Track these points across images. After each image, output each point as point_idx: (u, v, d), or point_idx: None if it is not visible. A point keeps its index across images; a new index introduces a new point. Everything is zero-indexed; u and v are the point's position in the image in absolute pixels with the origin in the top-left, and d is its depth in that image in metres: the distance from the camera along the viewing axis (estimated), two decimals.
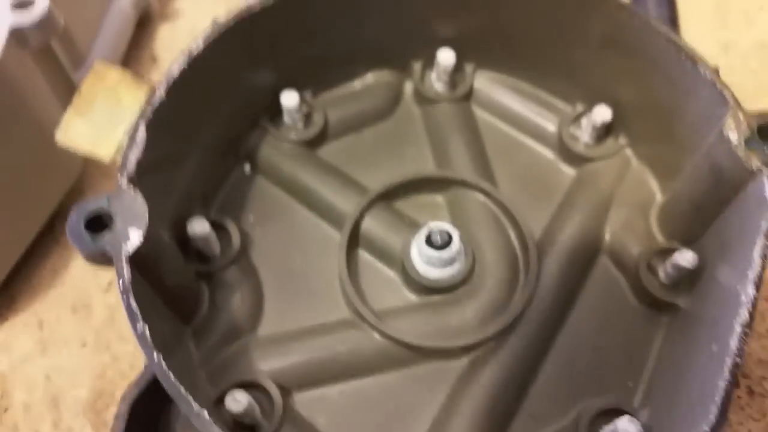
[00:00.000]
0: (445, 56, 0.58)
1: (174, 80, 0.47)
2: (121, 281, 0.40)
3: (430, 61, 0.60)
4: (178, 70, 0.47)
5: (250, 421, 0.46)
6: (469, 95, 0.60)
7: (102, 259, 0.42)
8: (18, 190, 0.55)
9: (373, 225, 0.53)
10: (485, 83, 0.60)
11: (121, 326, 0.57)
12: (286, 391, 0.48)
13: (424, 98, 0.60)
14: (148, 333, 0.38)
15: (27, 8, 0.49)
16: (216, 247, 0.52)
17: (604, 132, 0.57)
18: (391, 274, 0.53)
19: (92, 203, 0.42)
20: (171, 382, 0.37)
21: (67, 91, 0.56)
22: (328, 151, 0.58)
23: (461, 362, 0.50)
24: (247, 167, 0.58)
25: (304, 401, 0.49)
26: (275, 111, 0.57)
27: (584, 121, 0.57)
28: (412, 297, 0.52)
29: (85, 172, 0.63)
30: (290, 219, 0.56)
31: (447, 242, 0.49)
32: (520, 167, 0.58)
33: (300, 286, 0.53)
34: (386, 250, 0.53)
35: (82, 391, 0.54)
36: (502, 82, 0.60)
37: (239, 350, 0.50)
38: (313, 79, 0.59)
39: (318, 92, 0.59)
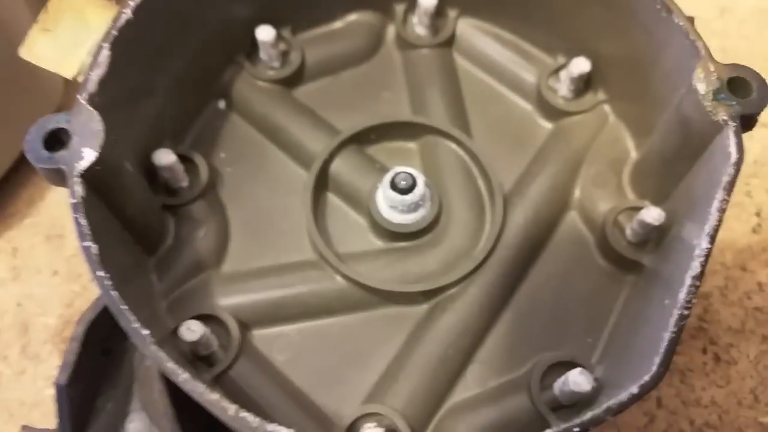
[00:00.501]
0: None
1: (142, 2, 0.46)
2: (72, 199, 0.39)
3: (412, 5, 0.58)
4: None
5: (205, 351, 0.46)
6: (450, 42, 0.59)
7: (57, 177, 0.41)
8: None
9: (342, 168, 0.53)
10: (468, 30, 0.59)
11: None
12: (245, 327, 0.49)
13: (405, 42, 0.59)
14: (94, 251, 0.38)
15: None
16: (183, 180, 0.52)
17: (583, 86, 0.56)
18: (358, 218, 0.53)
19: (51, 120, 0.42)
20: (113, 299, 0.37)
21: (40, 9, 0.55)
22: (304, 92, 0.58)
23: (421, 308, 0.50)
24: (221, 103, 0.57)
25: (262, 338, 0.49)
26: (252, 48, 0.56)
27: (563, 74, 0.56)
28: (377, 242, 0.52)
29: (64, 101, 0.62)
30: (261, 158, 0.55)
31: (411, 186, 0.49)
32: (497, 118, 0.57)
33: (267, 226, 0.53)
34: (354, 194, 0.53)
35: (51, 318, 0.55)
36: (484, 30, 0.59)
37: (201, 284, 0.50)
38: (293, 16, 0.58)
39: (297, 30, 0.58)
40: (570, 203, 0.53)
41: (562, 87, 0.56)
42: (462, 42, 0.59)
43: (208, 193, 0.52)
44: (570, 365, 0.47)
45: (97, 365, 0.46)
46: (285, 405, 0.47)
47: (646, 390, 0.37)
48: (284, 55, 0.57)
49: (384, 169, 0.53)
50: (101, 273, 0.38)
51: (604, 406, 0.36)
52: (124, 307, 0.37)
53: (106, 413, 0.48)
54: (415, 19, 0.59)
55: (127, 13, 0.45)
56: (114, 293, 0.37)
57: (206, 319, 0.48)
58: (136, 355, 0.48)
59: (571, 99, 0.56)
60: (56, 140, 0.42)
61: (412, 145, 0.56)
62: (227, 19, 0.54)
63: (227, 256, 0.52)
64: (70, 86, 0.62)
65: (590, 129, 0.55)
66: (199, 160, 0.53)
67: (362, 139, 0.54)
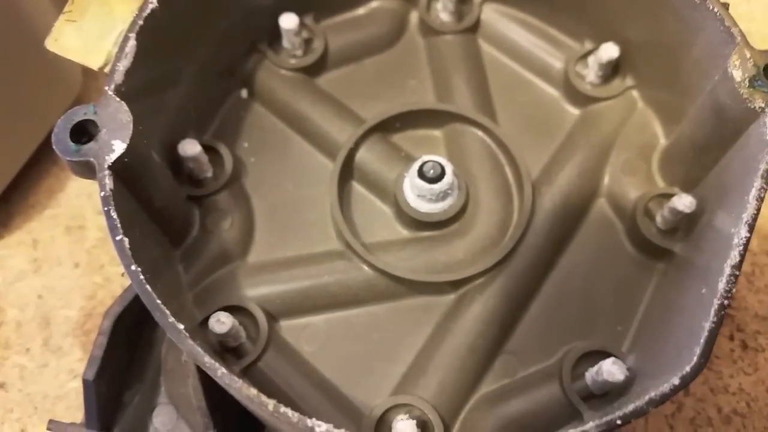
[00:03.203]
0: None
1: None
2: (102, 192, 0.39)
3: None
4: None
5: (234, 343, 0.46)
6: (475, 28, 0.58)
7: (85, 170, 0.41)
8: (15, 105, 0.54)
9: (367, 156, 0.52)
10: (493, 16, 0.58)
11: (113, 248, 0.56)
12: (272, 318, 0.48)
13: (428, 29, 0.58)
14: (127, 245, 0.38)
15: None
16: (208, 170, 0.51)
17: (611, 72, 0.55)
18: (384, 207, 0.53)
19: (78, 112, 0.41)
20: (149, 294, 0.37)
21: (64, 2, 0.54)
22: (327, 80, 0.57)
23: (449, 298, 0.50)
24: (244, 92, 0.56)
25: (289, 329, 0.49)
26: (275, 35, 0.56)
27: (591, 59, 0.55)
28: (403, 231, 0.52)
29: (84, 90, 0.62)
30: (285, 147, 0.55)
31: (440, 175, 0.48)
32: (523, 105, 0.56)
33: (291, 216, 0.52)
34: (380, 183, 0.52)
35: (72, 311, 0.54)
36: (510, 15, 0.58)
37: (227, 275, 0.49)
38: (316, 3, 0.57)
39: (320, 18, 0.58)
40: (599, 190, 0.53)
41: (590, 73, 0.55)
42: (487, 28, 0.58)
43: (233, 184, 0.52)
44: (601, 354, 0.47)
45: (123, 359, 0.46)
46: (314, 396, 0.46)
47: (687, 381, 0.36)
48: (307, 43, 0.56)
49: (409, 158, 0.52)
50: (135, 267, 0.37)
51: (646, 397, 0.36)
52: (160, 302, 0.36)
53: (133, 407, 0.48)
54: (439, 5, 0.58)
55: (153, 2, 0.44)
56: (149, 288, 0.37)
57: (233, 310, 0.47)
58: (162, 347, 0.48)
59: (598, 85, 0.55)
60: (84, 132, 0.41)
61: (437, 133, 0.55)
62: (250, 6, 0.54)
63: (253, 246, 0.51)
64: (89, 76, 0.62)
65: (618, 115, 0.54)
66: (224, 150, 0.52)
67: (387, 127, 0.54)
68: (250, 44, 0.56)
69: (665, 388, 0.37)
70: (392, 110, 0.53)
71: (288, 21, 0.54)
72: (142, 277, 0.37)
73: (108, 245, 0.57)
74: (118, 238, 0.38)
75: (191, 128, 0.52)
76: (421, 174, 0.48)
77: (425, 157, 0.49)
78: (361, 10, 0.59)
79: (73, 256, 0.56)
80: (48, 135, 0.59)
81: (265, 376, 0.46)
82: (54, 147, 0.41)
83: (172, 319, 0.36)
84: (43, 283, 0.56)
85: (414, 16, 0.59)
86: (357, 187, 0.53)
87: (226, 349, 0.46)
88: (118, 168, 0.40)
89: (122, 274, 0.46)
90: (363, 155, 0.52)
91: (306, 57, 0.56)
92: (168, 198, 0.47)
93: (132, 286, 0.47)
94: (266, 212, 0.52)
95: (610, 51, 0.53)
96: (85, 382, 0.42)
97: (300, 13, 0.55)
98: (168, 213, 0.47)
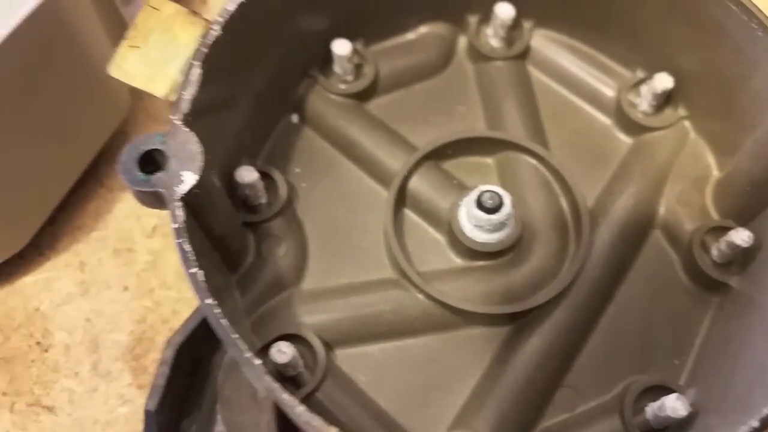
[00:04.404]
0: (504, 10, 0.56)
1: (230, 18, 0.45)
2: (175, 224, 0.39)
3: (486, 16, 0.57)
4: (235, 7, 0.45)
5: (292, 372, 0.46)
6: (525, 54, 0.58)
7: (153, 200, 0.41)
8: (65, 127, 0.53)
9: (420, 184, 0.52)
10: (543, 42, 0.58)
11: (164, 272, 0.56)
12: (327, 347, 0.48)
13: (478, 54, 0.58)
14: (203, 278, 0.37)
15: None
16: (263, 196, 0.51)
17: (664, 101, 0.55)
18: (437, 235, 0.52)
19: (146, 141, 0.41)
20: (224, 328, 0.36)
21: (117, 27, 0.54)
22: (377, 105, 0.57)
23: (505, 329, 0.49)
24: (294, 118, 0.56)
25: (345, 358, 0.48)
26: (325, 61, 0.56)
27: (644, 89, 0.55)
28: (457, 260, 0.51)
29: (131, 114, 0.61)
30: (336, 173, 0.55)
31: (498, 206, 0.48)
32: (575, 132, 0.56)
33: (344, 242, 0.52)
34: (433, 211, 0.52)
35: (122, 335, 0.54)
36: (560, 42, 0.58)
37: (283, 302, 0.49)
38: (365, 28, 0.57)
39: (369, 43, 0.57)
40: (654, 221, 0.52)
41: (643, 102, 0.55)
42: (536, 54, 0.58)
43: (287, 210, 0.52)
44: (661, 389, 0.46)
45: (182, 387, 0.45)
46: (372, 427, 0.46)
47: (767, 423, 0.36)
48: (358, 68, 0.56)
49: (462, 186, 0.52)
50: (211, 301, 0.37)
51: None
52: (236, 336, 0.36)
53: None
54: (489, 31, 0.58)
55: (217, 30, 0.44)
56: (225, 322, 0.36)
57: (290, 338, 0.47)
58: (219, 374, 0.47)
59: (651, 114, 0.55)
60: (150, 161, 0.41)
61: (489, 161, 0.55)
62: (304, 33, 0.53)
63: (307, 273, 0.51)
64: (135, 97, 0.61)
65: (671, 145, 0.54)
66: (278, 176, 0.52)
67: (439, 154, 0.54)
68: (301, 69, 0.56)
69: (743, 430, 0.36)
70: (445, 138, 0.53)
71: (341, 47, 0.54)
72: (217, 310, 0.37)
73: (158, 269, 0.56)
74: (192, 271, 0.38)
75: (246, 154, 0.52)
76: (480, 204, 0.48)
77: (483, 187, 0.49)
78: (410, 35, 0.59)
79: (121, 279, 0.56)
80: (95, 158, 0.58)
81: (324, 407, 0.46)
82: (120, 175, 0.41)
83: (248, 354, 0.36)
84: (91, 307, 0.55)
85: (462, 42, 0.59)
86: (409, 215, 0.53)
87: (283, 378, 0.46)
88: (187, 199, 0.39)
89: (194, 311, 0.45)
90: (416, 183, 0.52)
91: (357, 82, 0.56)
92: (227, 225, 0.47)
93: (193, 315, 0.47)
94: (319, 238, 0.52)
95: (664, 82, 0.53)
96: (147, 413, 0.41)
97: (350, 38, 0.55)
98: (226, 240, 0.46)
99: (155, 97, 0.59)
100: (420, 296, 0.49)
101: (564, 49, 0.58)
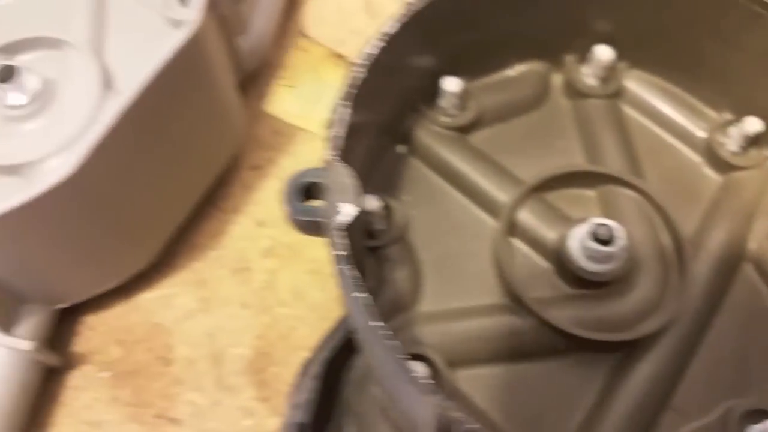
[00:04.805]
0: (603, 52, 0.59)
1: (370, 60, 0.48)
2: (336, 251, 0.42)
3: (583, 56, 0.61)
4: (375, 50, 0.48)
5: None
6: (619, 93, 0.61)
7: (311, 227, 0.44)
8: (192, 154, 0.57)
9: (527, 216, 0.55)
10: (635, 82, 0.62)
11: (280, 290, 0.59)
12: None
13: (575, 92, 0.61)
14: (363, 301, 0.40)
15: None
16: (381, 223, 0.54)
17: (752, 142, 0.58)
18: (544, 263, 0.55)
19: (306, 174, 0.44)
20: (389, 348, 0.39)
21: (233, 58, 0.57)
22: (479, 138, 0.60)
23: (613, 356, 0.52)
24: (402, 148, 0.59)
25: (460, 378, 0.51)
26: (432, 95, 0.59)
27: (733, 130, 0.58)
28: (565, 288, 0.54)
29: (246, 140, 0.64)
30: (444, 202, 0.58)
31: (611, 238, 0.51)
32: (668, 169, 0.59)
33: (455, 268, 0.55)
34: (540, 241, 0.55)
35: (243, 350, 0.56)
36: (652, 83, 0.62)
37: (402, 324, 0.52)
38: (469, 65, 0.60)
39: (472, 79, 0.61)
40: (746, 255, 0.56)
41: (731, 142, 0.58)
42: (630, 93, 0.62)
43: (403, 236, 0.55)
44: (761, 412, 0.49)
45: (319, 402, 0.48)
46: None
47: None
48: (462, 103, 0.59)
49: (566, 218, 0.55)
50: (376, 323, 0.40)
51: None
52: (402, 356, 0.39)
53: None
54: (586, 70, 0.61)
55: (359, 71, 0.48)
56: (392, 343, 0.39)
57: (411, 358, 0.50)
58: (347, 390, 0.50)
59: (738, 154, 0.58)
60: (307, 193, 0.44)
61: (590, 193, 0.58)
62: (418, 70, 0.57)
63: (422, 297, 0.54)
64: (254, 127, 0.64)
65: (758, 185, 0.58)
66: (394, 204, 0.55)
67: (543, 186, 0.57)
68: (410, 104, 0.59)
69: None
70: (553, 171, 0.56)
71: (451, 84, 0.57)
72: (383, 332, 0.40)
73: (274, 288, 0.59)
74: (353, 295, 0.41)
75: (363, 183, 0.55)
76: (594, 236, 0.51)
77: (597, 220, 0.52)
78: (510, 72, 0.62)
79: (240, 297, 0.59)
80: (213, 181, 0.61)
81: None
82: (285, 206, 0.44)
83: (415, 373, 0.39)
84: (212, 322, 0.58)
85: (557, 79, 0.63)
86: (516, 243, 0.56)
87: None
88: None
89: (335, 328, 0.48)
90: (524, 215, 0.55)
91: (461, 116, 0.59)
92: (359, 250, 0.50)
93: (334, 333, 0.50)
94: (431, 264, 0.55)
95: (755, 125, 0.57)
96: (299, 425, 0.44)
97: (456, 74, 0.58)
98: (358, 265, 0.49)
99: (262, 125, 0.63)
100: (533, 321, 0.52)
101: (656, 89, 0.61)
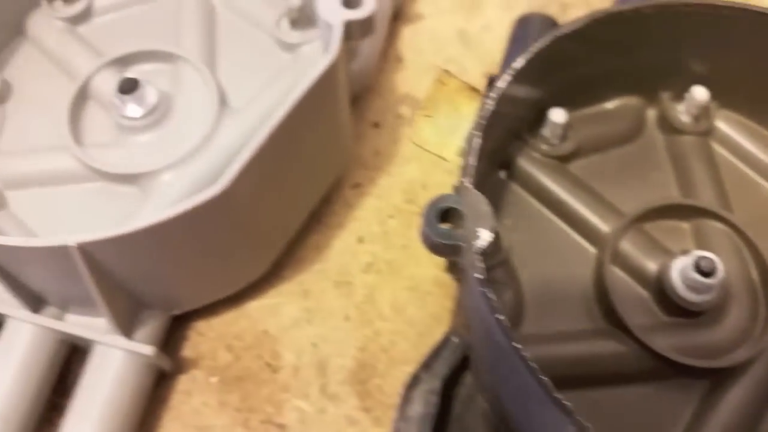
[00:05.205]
0: (700, 93, 0.62)
1: (501, 93, 0.51)
2: (477, 275, 0.44)
3: (678, 94, 0.64)
4: (505, 84, 0.51)
5: None
6: (710, 131, 0.64)
7: (447, 250, 0.46)
8: (311, 172, 0.60)
9: (628, 246, 0.58)
10: (724, 122, 0.65)
11: (380, 305, 0.61)
12: None
13: (669, 127, 0.64)
14: (506, 323, 0.43)
15: (357, 7, 0.54)
16: (491, 246, 0.56)
17: None
18: (641, 291, 0.58)
19: (444, 200, 0.47)
20: (532, 369, 0.42)
21: (346, 81, 0.60)
22: (577, 167, 0.63)
23: (706, 382, 0.55)
24: (502, 174, 0.62)
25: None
26: (534, 124, 0.62)
27: None
28: (662, 315, 0.57)
29: (350, 163, 0.67)
30: (543, 227, 0.60)
31: (713, 270, 0.54)
32: (754, 205, 0.62)
33: (555, 293, 0.58)
34: (639, 270, 0.57)
35: (346, 360, 0.59)
36: (740, 122, 0.64)
37: None
38: (570, 97, 0.63)
39: (571, 110, 0.63)
40: None
41: None
42: (720, 131, 0.64)
43: (508, 259, 0.57)
44: None
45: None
46: None
47: None
48: (564, 132, 0.62)
49: (663, 248, 0.58)
50: (516, 344, 0.42)
51: None
52: (542, 378, 0.42)
53: None
54: (681, 107, 0.64)
55: (491, 104, 0.50)
56: (535, 366, 0.42)
57: None
58: (456, 405, 0.53)
59: None
60: (446, 218, 0.47)
61: (684, 225, 0.60)
62: (530, 101, 0.60)
63: (524, 319, 0.56)
64: (356, 147, 0.67)
65: None
66: (500, 228, 0.58)
67: (642, 217, 0.59)
68: (515, 131, 0.62)
69: None
70: (654, 203, 0.59)
71: (558, 116, 0.60)
72: (525, 354, 0.42)
73: (374, 302, 0.62)
74: (497, 316, 0.43)
75: None
76: (697, 268, 0.54)
77: (699, 253, 0.54)
78: (608, 105, 0.65)
79: (343, 309, 0.61)
80: (319, 199, 0.64)
81: None
82: (424, 228, 0.46)
83: (557, 395, 0.41)
84: (316, 332, 0.60)
85: (651, 114, 0.65)
86: (616, 271, 0.58)
87: None
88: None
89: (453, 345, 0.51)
90: (625, 244, 0.58)
91: (562, 145, 0.62)
92: None
93: (452, 351, 0.53)
94: (532, 287, 0.58)
95: None
96: None
97: (559, 105, 0.61)
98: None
99: (364, 145, 0.66)
100: (634, 346, 0.54)
101: (743, 129, 0.64)
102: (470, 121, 0.49)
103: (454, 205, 0.47)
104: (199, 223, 0.48)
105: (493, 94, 0.51)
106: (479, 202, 0.46)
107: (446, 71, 0.49)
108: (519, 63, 0.52)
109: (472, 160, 0.48)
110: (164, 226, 0.46)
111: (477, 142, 0.49)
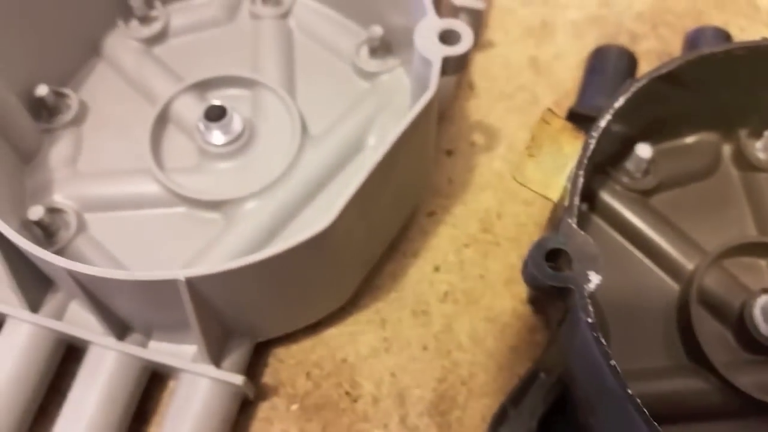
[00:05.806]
0: None
1: (601, 132, 0.51)
2: (589, 318, 0.45)
3: (755, 131, 0.64)
4: (605, 123, 0.52)
5: None
6: None
7: (556, 293, 0.47)
8: (399, 201, 0.60)
9: (712, 283, 0.58)
10: None
11: (458, 335, 0.62)
12: None
13: (745, 164, 0.64)
14: (618, 369, 0.43)
15: (456, 44, 0.54)
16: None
17: None
18: (721, 328, 0.58)
19: (550, 240, 0.47)
20: (642, 412, 0.42)
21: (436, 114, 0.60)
22: (657, 201, 0.63)
23: None
24: (583, 206, 0.62)
25: None
26: (618, 158, 0.62)
27: None
28: (742, 352, 0.57)
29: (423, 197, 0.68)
30: (623, 260, 0.61)
31: None
32: None
33: (639, 328, 0.58)
34: (722, 308, 0.58)
35: (425, 391, 0.59)
36: None
37: None
38: (651, 132, 0.63)
39: (654, 144, 0.64)
40: None
41: None
42: None
43: (594, 294, 0.58)
44: None
45: None
46: None
47: None
48: (648, 167, 0.62)
49: (744, 286, 0.58)
50: (630, 392, 0.43)
51: None
52: (654, 425, 0.42)
53: None
54: (758, 144, 0.64)
55: (593, 143, 0.51)
56: (646, 412, 0.42)
57: None
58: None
59: None
60: (551, 259, 0.47)
61: (762, 263, 0.61)
62: (617, 135, 0.60)
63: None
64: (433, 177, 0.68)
65: None
66: None
67: (723, 254, 0.60)
68: (600, 165, 0.62)
69: None
70: (736, 240, 0.59)
71: (644, 151, 0.60)
72: (637, 400, 0.43)
73: (452, 332, 0.62)
74: (612, 363, 0.43)
75: None
76: None
77: None
78: (687, 140, 0.65)
79: (421, 339, 0.61)
80: (400, 227, 0.65)
81: None
82: (531, 269, 0.47)
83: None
84: (395, 362, 0.60)
85: (726, 150, 0.66)
86: (698, 309, 0.59)
87: None
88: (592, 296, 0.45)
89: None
90: (708, 282, 0.58)
91: (645, 180, 0.62)
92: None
93: (547, 391, 0.53)
94: (615, 321, 0.58)
95: None
96: None
97: (642, 140, 0.61)
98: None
99: (438, 173, 0.66)
100: (718, 384, 0.55)
101: None
102: (573, 161, 0.49)
103: (561, 246, 0.47)
104: (300, 257, 0.48)
105: (594, 133, 0.51)
106: (587, 244, 0.47)
107: (550, 110, 0.49)
108: (619, 102, 0.53)
109: (577, 200, 0.48)
110: (272, 260, 0.47)
111: (580, 181, 0.49)
